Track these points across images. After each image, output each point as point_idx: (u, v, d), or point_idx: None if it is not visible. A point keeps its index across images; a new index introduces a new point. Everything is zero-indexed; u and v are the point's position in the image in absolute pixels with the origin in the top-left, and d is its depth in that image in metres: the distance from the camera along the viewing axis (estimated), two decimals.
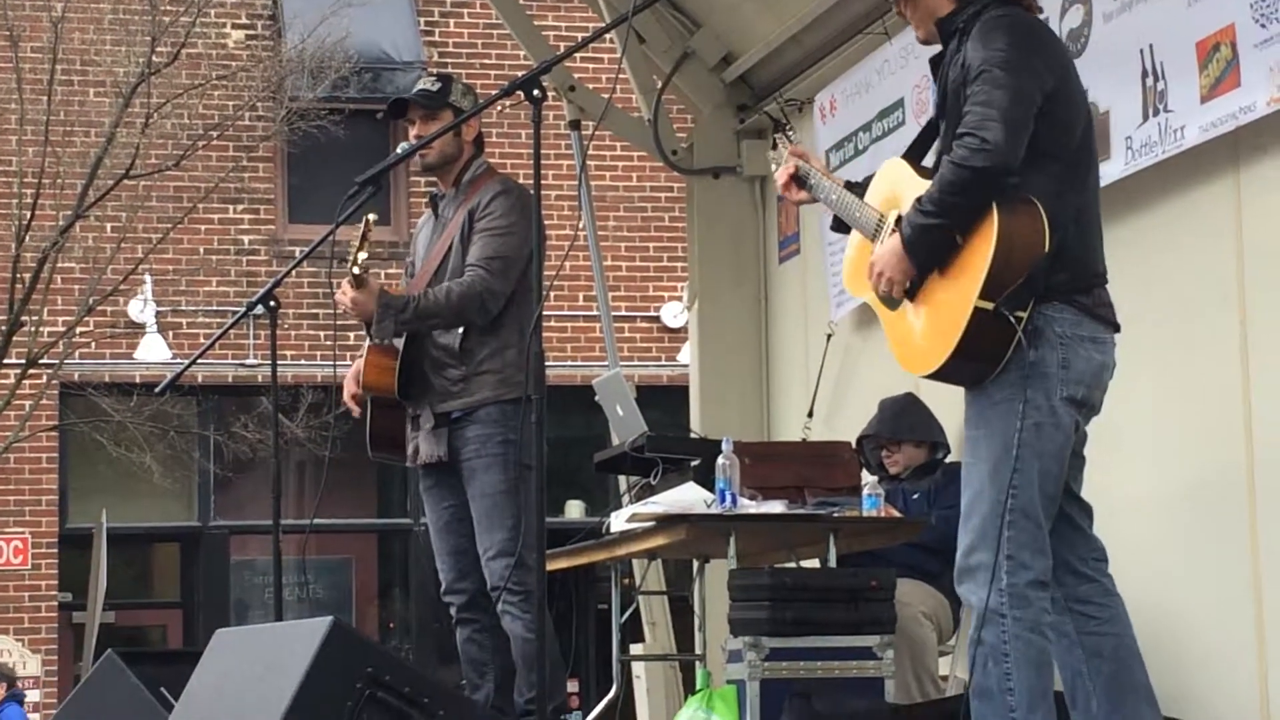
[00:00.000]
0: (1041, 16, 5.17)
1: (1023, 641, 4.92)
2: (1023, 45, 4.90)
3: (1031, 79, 4.86)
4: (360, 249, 6.51)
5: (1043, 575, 4.96)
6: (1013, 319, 4.84)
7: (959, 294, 4.88)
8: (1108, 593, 5.16)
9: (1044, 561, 4.96)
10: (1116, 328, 5.08)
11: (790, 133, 5.52)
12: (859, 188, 5.28)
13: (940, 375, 5.01)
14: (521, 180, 6.97)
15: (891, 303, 5.10)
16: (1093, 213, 5.06)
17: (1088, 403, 5.03)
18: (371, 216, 6.49)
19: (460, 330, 6.67)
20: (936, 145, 5.19)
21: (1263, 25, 6.34)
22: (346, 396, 6.89)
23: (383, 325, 6.62)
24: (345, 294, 6.64)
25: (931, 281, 4.98)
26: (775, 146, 5.53)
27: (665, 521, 6.94)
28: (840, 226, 5.40)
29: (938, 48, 5.17)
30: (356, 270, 6.55)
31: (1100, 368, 5.02)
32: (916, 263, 4.95)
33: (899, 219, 5.03)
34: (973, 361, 4.93)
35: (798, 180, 5.35)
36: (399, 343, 6.72)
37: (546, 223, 6.40)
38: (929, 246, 4.92)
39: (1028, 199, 4.87)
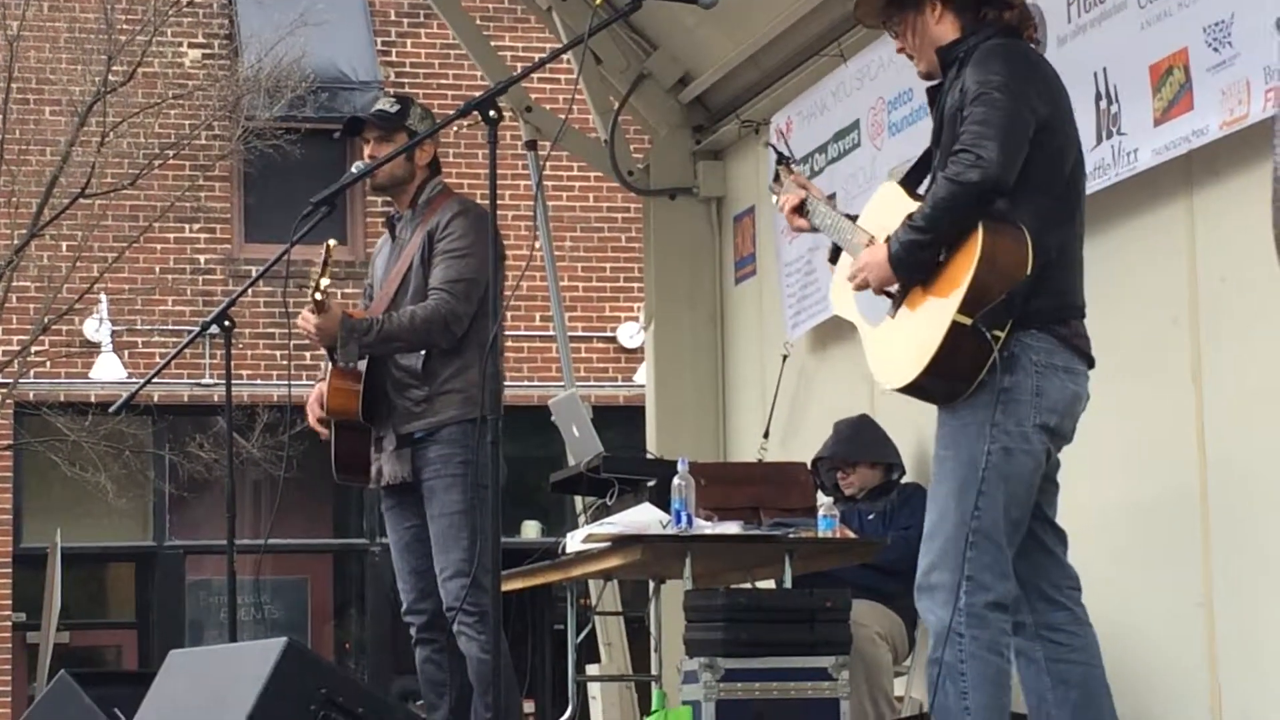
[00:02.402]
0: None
1: (980, 661, 4.95)
2: (1019, 72, 5.00)
3: (1027, 104, 4.95)
4: (322, 274, 6.47)
5: (1002, 598, 4.99)
6: (989, 336, 4.89)
7: (939, 307, 4.95)
8: (1079, 621, 5.20)
9: (1005, 584, 5.00)
10: (1091, 361, 5.14)
11: (795, 165, 5.61)
12: (856, 217, 5.34)
13: (914, 389, 5.07)
14: (479, 200, 6.97)
15: (874, 317, 5.15)
16: (1076, 248, 5.14)
17: (1059, 431, 5.08)
18: (332, 242, 6.46)
19: (423, 351, 6.66)
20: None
21: (1215, 49, 6.38)
22: (312, 421, 6.85)
23: (347, 350, 6.58)
24: (307, 320, 6.61)
25: (914, 296, 5.04)
26: (778, 179, 5.57)
27: (621, 542, 6.95)
28: (838, 257, 5.43)
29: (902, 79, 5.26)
30: (318, 296, 6.51)
31: (1073, 397, 5.08)
32: (900, 277, 5.03)
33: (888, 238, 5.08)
34: (947, 377, 4.98)
35: (799, 209, 5.41)
36: (362, 365, 6.70)
37: (503, 243, 6.41)
38: (915, 263, 4.99)
39: (1014, 223, 4.94)
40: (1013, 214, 4.95)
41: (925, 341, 4.96)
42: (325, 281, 6.47)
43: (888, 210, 5.17)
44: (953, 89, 5.09)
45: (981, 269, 4.87)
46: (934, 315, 4.96)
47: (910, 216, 4.99)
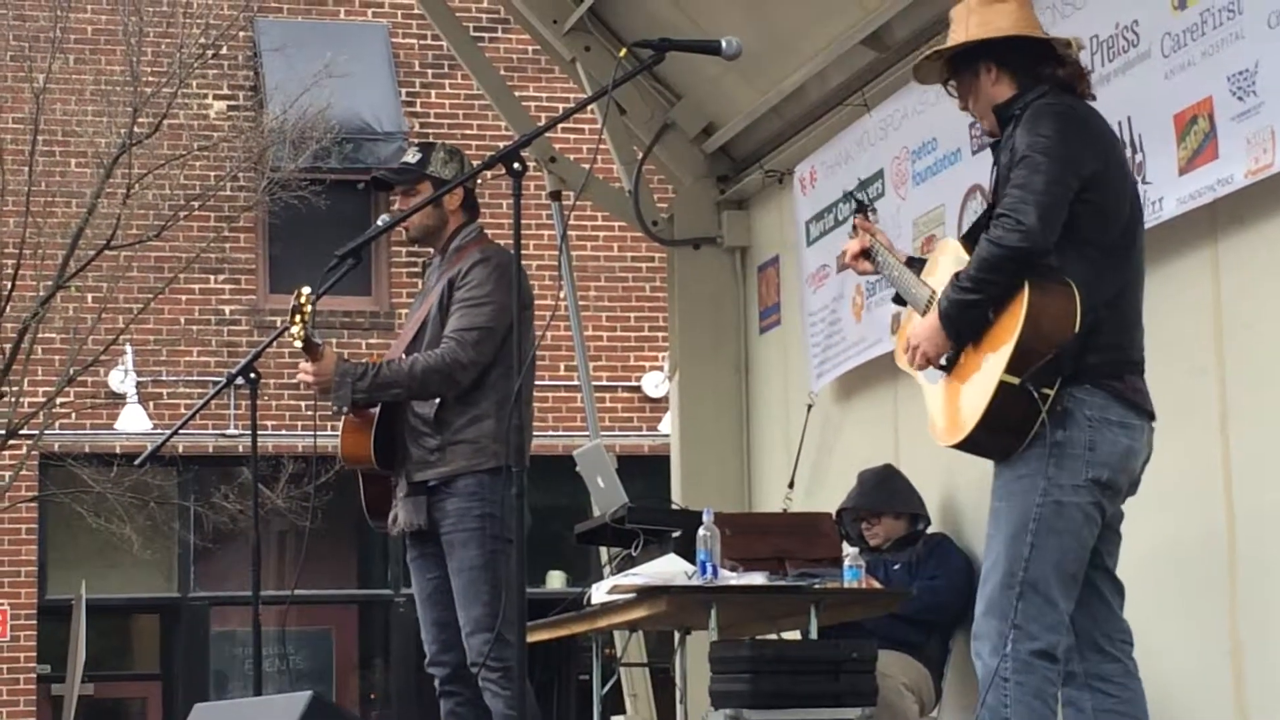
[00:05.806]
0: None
1: (1024, 706, 5.00)
2: (1065, 132, 5.08)
3: (1070, 165, 5.04)
4: (292, 322, 6.35)
5: (1050, 647, 5.04)
6: (1037, 395, 4.96)
7: (987, 368, 5.05)
8: (1129, 674, 5.25)
9: (1052, 636, 5.04)
10: (1151, 415, 5.21)
11: (872, 212, 5.68)
12: (918, 265, 5.45)
13: (967, 446, 5.16)
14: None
15: (933, 375, 5.24)
16: (1132, 301, 5.22)
17: (1113, 485, 5.14)
18: (306, 289, 6.35)
19: (436, 400, 6.61)
20: None
21: (1240, 98, 6.38)
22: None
23: (339, 394, 6.48)
24: (305, 370, 6.54)
25: (966, 355, 5.15)
26: (856, 231, 5.63)
27: (646, 593, 6.93)
28: (901, 300, 5.55)
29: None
30: (299, 344, 6.42)
31: (1127, 451, 5.14)
32: (951, 337, 5.14)
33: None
34: (999, 434, 5.06)
35: (865, 254, 5.53)
36: (375, 412, 6.65)
37: (530, 291, 6.38)
38: (963, 322, 5.11)
39: (1063, 280, 5.03)
40: (1063, 268, 5.04)
41: (976, 401, 5.06)
42: (295, 329, 6.38)
43: (948, 265, 5.25)
44: (1007, 146, 5.19)
45: (1027, 330, 4.97)
46: (984, 375, 5.06)
47: (956, 276, 5.10)
